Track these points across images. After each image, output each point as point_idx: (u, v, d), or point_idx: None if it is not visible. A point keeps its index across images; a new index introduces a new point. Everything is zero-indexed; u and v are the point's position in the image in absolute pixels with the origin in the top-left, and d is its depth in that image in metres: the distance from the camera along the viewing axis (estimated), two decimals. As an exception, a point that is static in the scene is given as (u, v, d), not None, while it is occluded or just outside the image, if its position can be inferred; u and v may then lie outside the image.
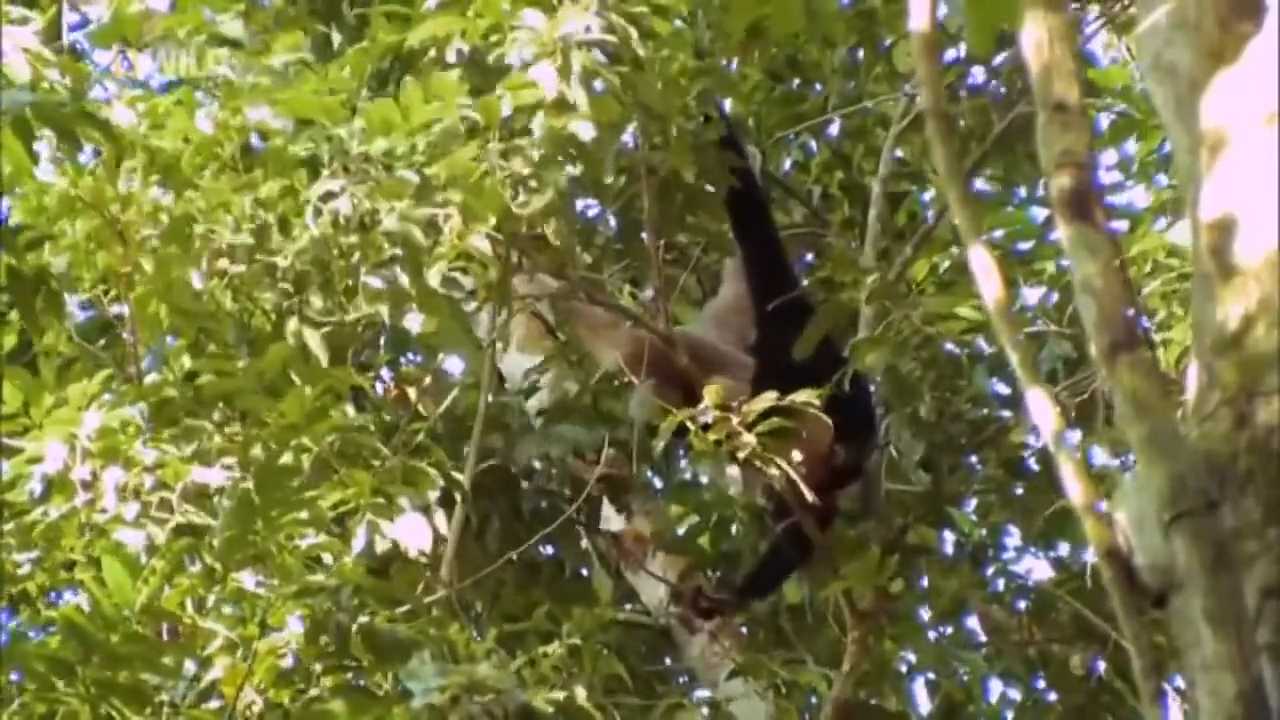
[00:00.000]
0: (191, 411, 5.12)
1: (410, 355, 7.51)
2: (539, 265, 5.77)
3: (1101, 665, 7.16)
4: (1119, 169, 7.19)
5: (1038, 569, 7.77)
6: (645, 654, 7.28)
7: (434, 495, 5.45)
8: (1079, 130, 2.95)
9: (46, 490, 5.06)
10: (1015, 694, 7.41)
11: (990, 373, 6.85)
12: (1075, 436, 6.51)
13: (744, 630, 7.18)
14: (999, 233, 7.07)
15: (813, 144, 7.80)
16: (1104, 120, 7.20)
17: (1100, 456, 6.44)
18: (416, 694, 4.69)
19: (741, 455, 5.90)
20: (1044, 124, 2.97)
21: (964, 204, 3.03)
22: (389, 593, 5.10)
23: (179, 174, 5.42)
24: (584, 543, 7.16)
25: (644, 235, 6.17)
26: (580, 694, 5.05)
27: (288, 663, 4.97)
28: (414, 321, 5.44)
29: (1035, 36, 2.98)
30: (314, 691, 4.94)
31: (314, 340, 5.32)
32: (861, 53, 7.60)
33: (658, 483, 7.57)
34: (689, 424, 5.85)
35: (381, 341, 7.23)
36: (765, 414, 5.83)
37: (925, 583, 7.08)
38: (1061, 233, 2.93)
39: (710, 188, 5.97)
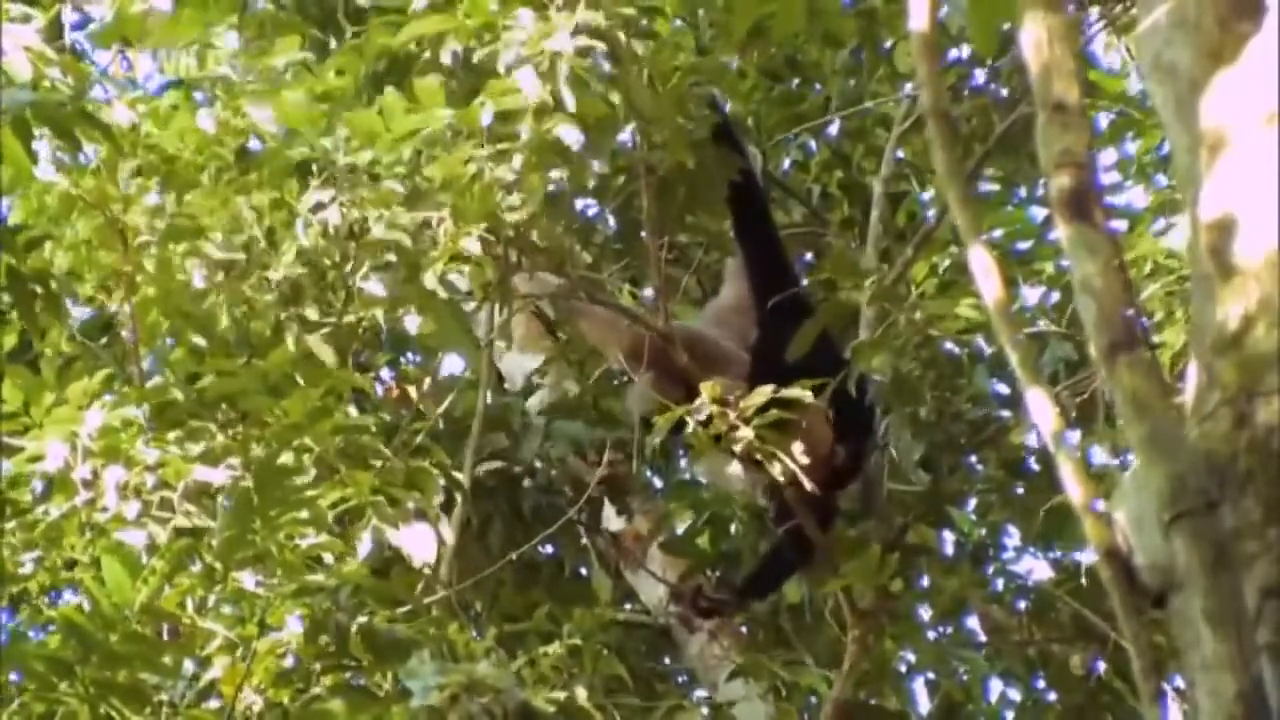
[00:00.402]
0: (194, 413, 5.12)
1: (410, 356, 7.52)
2: (538, 265, 5.77)
3: (1101, 665, 7.16)
4: (1118, 169, 7.19)
5: (1038, 569, 7.78)
6: (645, 654, 7.28)
7: (438, 500, 5.45)
8: (1078, 130, 2.95)
9: (47, 489, 5.06)
10: (1015, 694, 7.42)
11: (990, 373, 6.85)
12: (1075, 436, 6.51)
13: (744, 630, 7.18)
14: (999, 233, 7.06)
15: (812, 144, 7.80)
16: (1103, 120, 7.20)
17: (1100, 456, 6.44)
18: (416, 693, 4.68)
19: (739, 450, 5.90)
20: (1044, 124, 2.97)
21: (964, 204, 3.03)
22: (388, 592, 5.09)
23: (179, 175, 5.42)
24: (584, 542, 7.17)
25: (644, 235, 6.17)
26: (580, 694, 5.05)
27: (287, 662, 4.97)
28: (412, 323, 5.44)
29: (1035, 36, 2.98)
30: (313, 691, 4.94)
31: (318, 344, 5.33)
32: (863, 53, 7.60)
33: (658, 482, 7.57)
34: (687, 419, 5.85)
35: (382, 342, 7.23)
36: (763, 407, 5.83)
37: (925, 582, 7.08)
38: (1061, 232, 2.93)
39: (710, 186, 5.97)
